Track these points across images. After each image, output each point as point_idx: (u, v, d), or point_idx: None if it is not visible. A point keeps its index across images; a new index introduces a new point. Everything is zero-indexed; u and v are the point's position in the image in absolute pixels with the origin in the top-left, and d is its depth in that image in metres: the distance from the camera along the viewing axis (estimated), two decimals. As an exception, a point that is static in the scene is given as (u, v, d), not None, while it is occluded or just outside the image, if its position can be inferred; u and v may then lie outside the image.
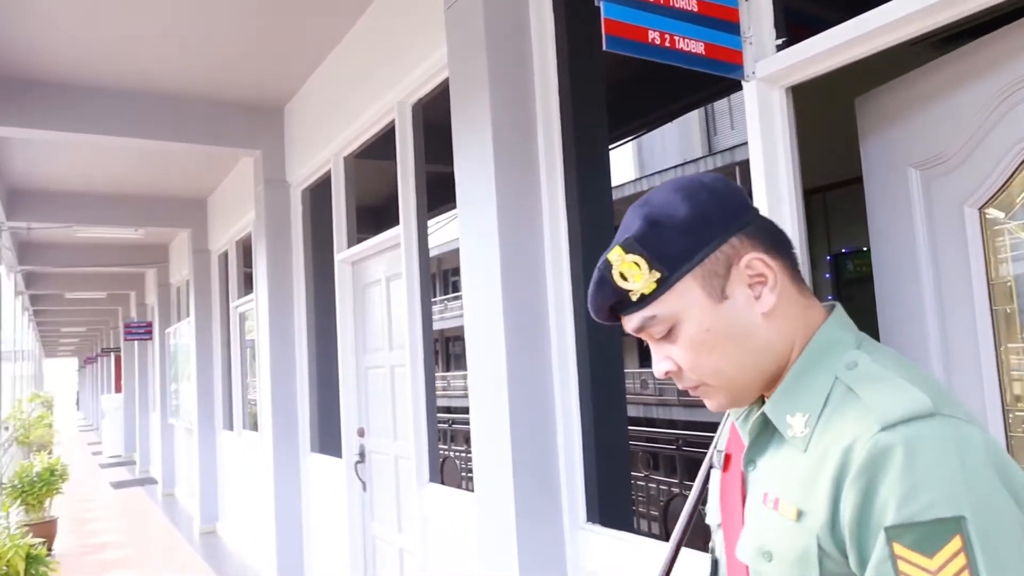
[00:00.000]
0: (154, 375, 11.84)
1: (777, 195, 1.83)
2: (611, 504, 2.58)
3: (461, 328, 3.50)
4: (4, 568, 4.34)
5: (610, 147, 3.03)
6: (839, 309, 0.90)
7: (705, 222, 0.86)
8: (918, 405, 0.74)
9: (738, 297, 0.86)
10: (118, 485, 12.08)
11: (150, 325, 12.21)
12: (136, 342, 13.33)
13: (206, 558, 6.91)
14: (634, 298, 0.87)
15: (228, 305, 7.70)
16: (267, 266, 5.38)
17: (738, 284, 0.86)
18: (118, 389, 17.26)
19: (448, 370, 26.47)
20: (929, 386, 0.77)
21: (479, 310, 2.69)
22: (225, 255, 7.76)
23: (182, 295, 10.00)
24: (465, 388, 3.60)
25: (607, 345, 2.65)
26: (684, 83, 4.13)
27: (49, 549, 4.66)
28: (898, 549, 0.70)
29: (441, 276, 29.08)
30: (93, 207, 7.69)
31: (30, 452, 9.69)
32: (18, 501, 6.59)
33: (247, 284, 7.14)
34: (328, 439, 5.11)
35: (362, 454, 4.43)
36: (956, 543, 0.68)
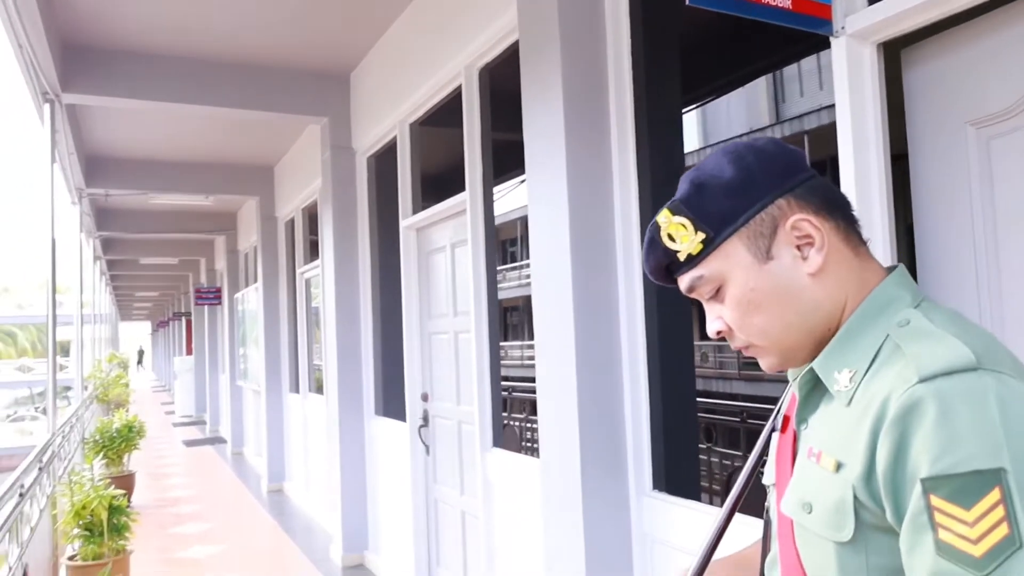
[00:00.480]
0: (223, 339, 12.24)
1: (865, 161, 1.76)
2: (677, 472, 2.56)
3: (518, 298, 3.51)
4: (88, 517, 4.57)
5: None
6: (900, 269, 0.89)
7: (750, 184, 0.88)
8: (960, 359, 0.73)
9: (784, 258, 0.87)
10: (190, 443, 12.58)
11: (219, 291, 12.59)
12: (206, 307, 13.77)
13: (273, 515, 7.15)
14: (682, 259, 0.90)
15: (295, 271, 7.86)
16: (333, 232, 5.47)
17: (784, 245, 0.87)
18: (189, 352, 17.90)
19: (505, 339, 26.65)
20: (981, 342, 0.76)
21: (547, 276, 2.68)
22: (292, 222, 7.91)
23: (250, 261, 10.26)
24: (521, 357, 3.62)
25: (676, 313, 2.62)
26: (757, 46, 4.00)
27: (128, 501, 4.88)
28: (935, 501, 0.69)
29: (498, 246, 29.04)
30: (166, 175, 7.92)
31: (108, 410, 10.14)
32: (100, 455, 6.91)
33: (313, 251, 7.28)
34: (392, 403, 5.20)
35: (425, 418, 4.50)
36: (995, 495, 0.67)
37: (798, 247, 0.86)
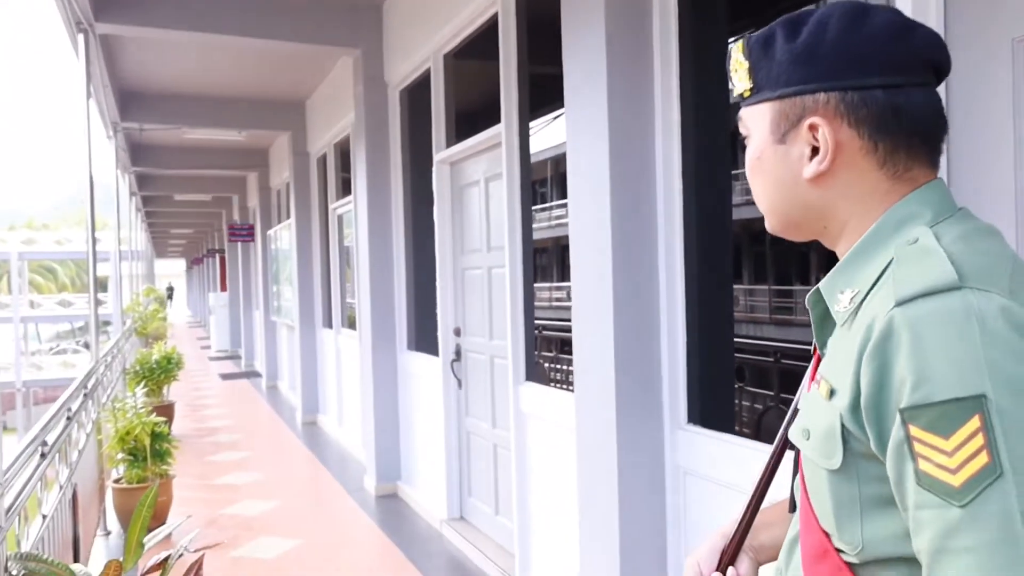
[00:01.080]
0: (256, 275, 12.40)
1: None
2: (713, 405, 2.56)
3: (547, 240, 3.48)
4: (132, 442, 4.72)
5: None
6: (931, 184, 0.80)
7: (808, 60, 0.80)
8: (940, 278, 0.68)
9: (793, 150, 0.83)
10: (225, 376, 12.89)
11: (252, 228, 12.71)
12: (239, 243, 13.93)
13: (308, 446, 7.34)
14: (735, 93, 0.89)
15: (327, 207, 7.88)
16: (366, 167, 5.44)
17: (799, 138, 0.82)
18: (223, 288, 18.20)
19: (535, 281, 26.60)
20: (983, 261, 0.70)
21: (585, 206, 2.64)
22: (323, 158, 7.90)
23: (282, 198, 10.30)
24: (550, 298, 3.61)
25: (716, 246, 2.57)
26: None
27: (168, 430, 5.02)
28: (914, 431, 0.66)
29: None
30: (200, 109, 7.91)
31: (147, 343, 10.40)
32: (141, 384, 7.09)
33: (345, 188, 7.27)
34: (424, 338, 5.24)
35: (458, 353, 4.53)
36: (974, 423, 0.63)
37: (811, 147, 0.81)
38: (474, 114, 4.48)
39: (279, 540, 4.57)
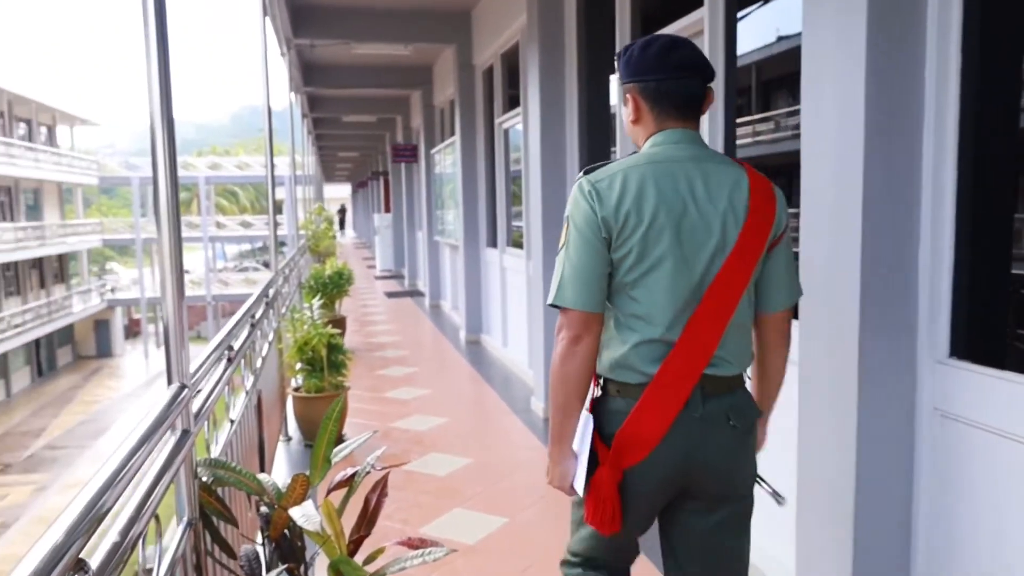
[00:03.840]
0: (420, 196, 12.52)
1: None
2: (982, 338, 2.07)
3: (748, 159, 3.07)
4: (310, 353, 4.79)
5: None
6: (672, 129, 1.69)
7: (623, 68, 1.72)
8: (583, 173, 1.69)
9: (626, 109, 1.75)
10: (390, 295, 13.29)
11: (415, 148, 12.79)
12: (403, 164, 14.13)
13: (472, 363, 7.33)
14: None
15: (492, 123, 7.64)
16: (539, 74, 5.10)
17: (627, 103, 1.74)
18: (387, 209, 18.73)
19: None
20: (612, 163, 1.68)
21: (828, 94, 2.17)
22: (489, 70, 7.62)
23: (445, 116, 10.20)
24: None
25: (998, 155, 2.04)
26: None
27: (342, 342, 5.07)
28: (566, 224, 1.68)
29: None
30: (367, 23, 7.83)
31: (319, 260, 10.82)
32: (317, 297, 7.31)
33: (511, 102, 6.99)
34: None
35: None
36: (566, 224, 1.66)
37: (631, 108, 1.74)
38: (666, 6, 3.99)
39: (449, 457, 4.52)
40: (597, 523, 1.65)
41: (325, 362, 4.77)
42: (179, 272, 1.75)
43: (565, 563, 1.89)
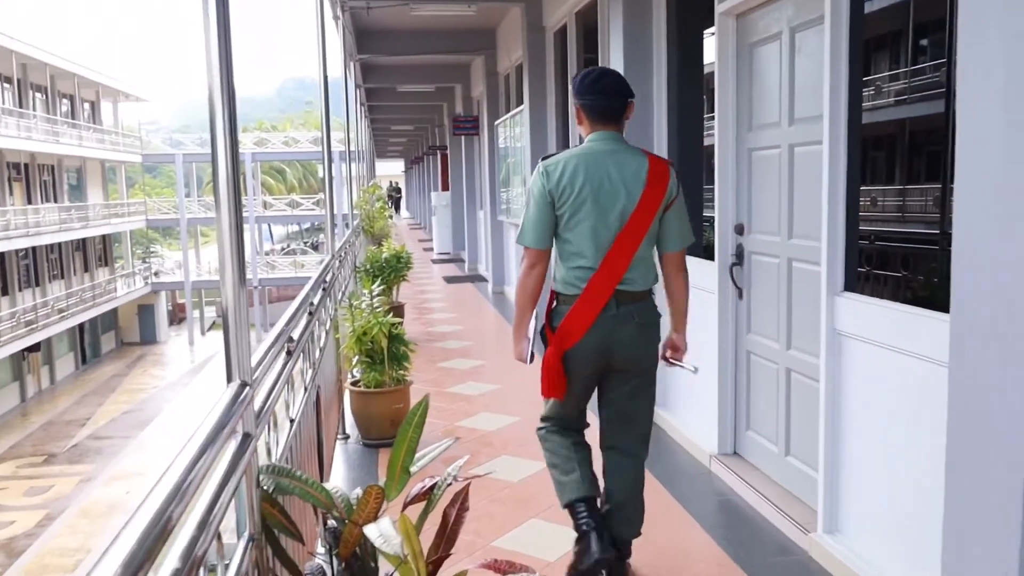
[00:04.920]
0: (481, 171, 12.42)
1: None
2: None
3: (875, 125, 2.88)
4: (369, 344, 4.74)
5: None
6: (597, 132, 2.80)
7: (573, 90, 2.85)
8: (541, 159, 2.87)
9: (577, 120, 2.88)
10: (450, 280, 13.28)
11: (476, 119, 12.70)
12: (463, 138, 14.06)
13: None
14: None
15: (565, 89, 7.47)
16: (623, 30, 4.91)
17: (577, 114, 2.87)
18: (443, 187, 18.72)
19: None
20: (562, 153, 2.84)
21: (995, 49, 1.95)
22: (562, 31, 7.44)
23: (511, 84, 10.06)
24: (883, 207, 3.02)
25: None
26: None
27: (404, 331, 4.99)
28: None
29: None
30: (427, -20, 7.74)
31: (374, 241, 10.84)
32: (376, 282, 7.30)
33: (587, 66, 6.79)
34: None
35: (739, 255, 4.00)
36: (529, 194, 2.84)
37: (577, 116, 2.90)
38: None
39: (523, 461, 4.42)
40: (548, 390, 2.75)
41: (386, 354, 4.71)
42: (240, 256, 1.67)
43: (538, 429, 3.03)
